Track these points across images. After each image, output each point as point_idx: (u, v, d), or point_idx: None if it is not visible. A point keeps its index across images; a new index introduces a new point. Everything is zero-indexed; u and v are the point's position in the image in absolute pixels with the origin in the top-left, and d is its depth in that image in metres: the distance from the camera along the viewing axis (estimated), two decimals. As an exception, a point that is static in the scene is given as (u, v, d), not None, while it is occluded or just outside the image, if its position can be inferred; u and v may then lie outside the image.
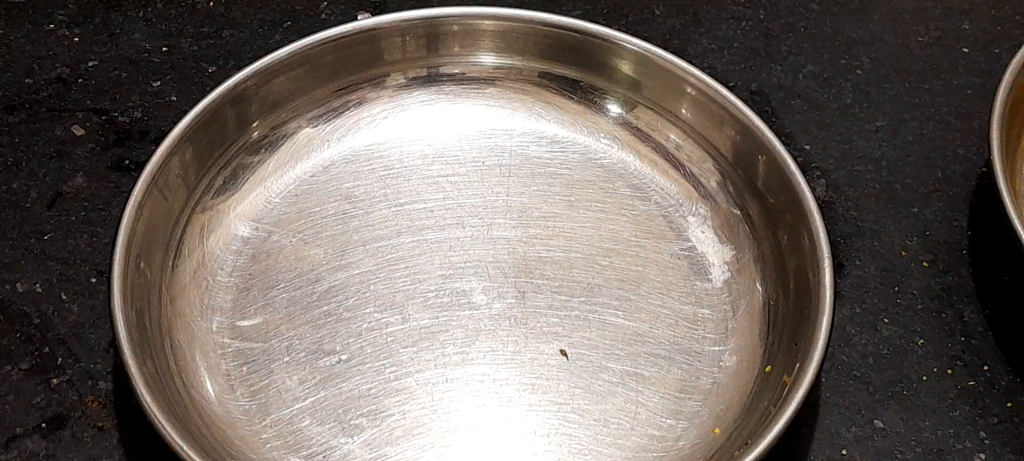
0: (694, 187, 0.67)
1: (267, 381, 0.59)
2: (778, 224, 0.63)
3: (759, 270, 0.63)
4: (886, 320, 0.64)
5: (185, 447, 0.52)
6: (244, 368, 0.59)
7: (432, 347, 0.60)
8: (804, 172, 0.63)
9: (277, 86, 0.67)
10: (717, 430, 0.58)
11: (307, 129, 0.68)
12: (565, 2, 0.77)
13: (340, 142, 0.68)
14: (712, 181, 0.66)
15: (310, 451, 0.57)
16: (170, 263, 0.61)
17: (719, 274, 0.64)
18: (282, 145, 0.67)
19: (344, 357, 0.60)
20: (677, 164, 0.67)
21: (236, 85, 0.65)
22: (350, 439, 0.57)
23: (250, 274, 0.63)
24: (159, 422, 0.53)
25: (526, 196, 0.66)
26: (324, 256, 0.63)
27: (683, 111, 0.67)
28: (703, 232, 0.65)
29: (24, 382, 0.59)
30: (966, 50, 0.76)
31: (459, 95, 0.70)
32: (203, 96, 0.64)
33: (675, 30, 0.76)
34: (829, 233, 0.60)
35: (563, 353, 0.61)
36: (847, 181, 0.69)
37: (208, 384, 0.58)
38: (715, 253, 0.64)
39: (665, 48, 0.68)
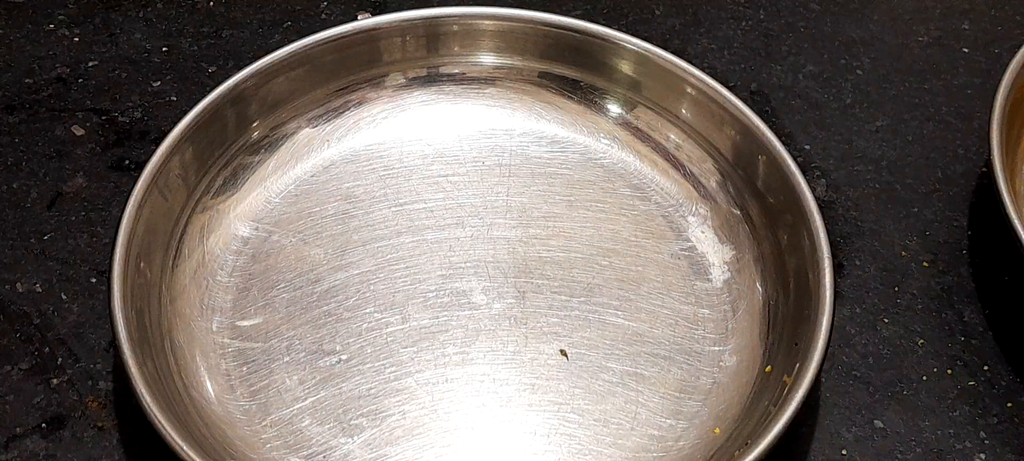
0: (694, 187, 0.67)
1: (267, 381, 0.59)
2: (778, 224, 0.63)
3: (759, 270, 0.63)
4: (886, 320, 0.64)
5: (185, 447, 0.52)
6: (244, 368, 0.59)
7: (432, 347, 0.60)
8: (804, 172, 0.63)
9: (277, 86, 0.67)
10: (717, 430, 0.58)
11: (307, 129, 0.68)
12: (565, 2, 0.77)
13: (340, 142, 0.68)
14: (712, 181, 0.66)
15: (310, 451, 0.57)
16: (170, 263, 0.61)
17: (719, 274, 0.64)
18: (282, 145, 0.67)
19: (344, 357, 0.60)
20: (677, 164, 0.67)
21: (236, 85, 0.65)
22: (350, 439, 0.57)
23: (250, 274, 0.63)
24: (159, 422, 0.53)
25: (526, 196, 0.66)
26: (324, 256, 0.63)
27: (683, 111, 0.67)
28: (703, 232, 0.65)
29: (24, 382, 0.59)
30: (966, 50, 0.76)
31: (459, 95, 0.70)
32: (203, 96, 0.64)
33: (675, 30, 0.76)
34: (829, 233, 0.60)
35: (563, 353, 0.61)
36: (847, 181, 0.69)
37: (208, 384, 0.58)
38: (715, 253, 0.64)
39: (665, 48, 0.68)
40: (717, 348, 0.61)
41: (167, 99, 0.71)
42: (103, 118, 0.70)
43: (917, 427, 0.60)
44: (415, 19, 0.69)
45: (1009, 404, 0.61)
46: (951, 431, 0.60)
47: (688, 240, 0.65)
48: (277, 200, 0.65)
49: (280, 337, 0.60)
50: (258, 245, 0.64)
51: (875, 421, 0.60)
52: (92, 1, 0.76)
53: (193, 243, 0.63)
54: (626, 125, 0.69)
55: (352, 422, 0.58)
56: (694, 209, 0.66)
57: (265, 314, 0.61)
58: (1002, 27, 0.78)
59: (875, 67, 0.75)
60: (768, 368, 0.59)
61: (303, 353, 0.60)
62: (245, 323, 0.61)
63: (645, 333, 0.61)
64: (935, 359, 0.62)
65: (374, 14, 0.75)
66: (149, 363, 0.56)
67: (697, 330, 0.62)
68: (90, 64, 0.72)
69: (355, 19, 0.75)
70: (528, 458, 0.57)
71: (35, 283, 0.63)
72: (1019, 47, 0.67)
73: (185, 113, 0.63)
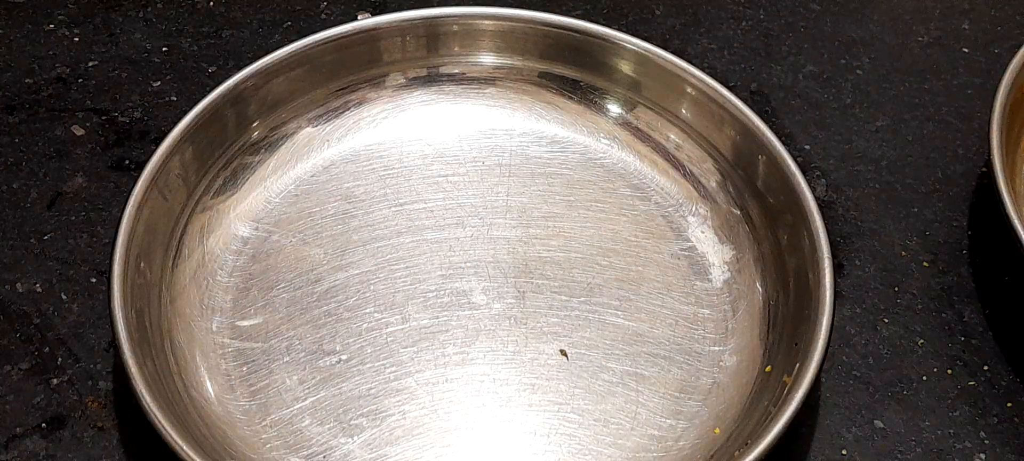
0: (694, 187, 0.67)
1: (267, 381, 0.59)
2: (778, 224, 0.63)
3: (759, 270, 0.63)
4: (886, 320, 0.64)
5: (185, 447, 0.52)
6: (244, 368, 0.59)
7: (432, 347, 0.60)
8: (804, 172, 0.63)
9: (277, 86, 0.67)
10: (717, 430, 0.58)
11: (307, 129, 0.68)
12: (565, 2, 0.77)
13: (340, 142, 0.68)
14: (712, 181, 0.66)
15: (310, 451, 0.57)
16: (170, 263, 0.61)
17: (719, 274, 0.64)
18: (282, 145, 0.67)
19: (344, 357, 0.60)
20: (677, 164, 0.67)
21: (236, 85, 0.65)
22: (350, 439, 0.57)
23: (250, 274, 0.63)
24: (159, 422, 0.53)
25: (526, 196, 0.66)
26: (324, 256, 0.63)
27: (683, 111, 0.67)
28: (703, 232, 0.65)
29: (24, 382, 0.59)
30: (966, 50, 0.76)
31: (459, 95, 0.70)
32: (203, 96, 0.64)
33: (675, 30, 0.76)
34: (829, 233, 0.60)
35: (563, 353, 0.61)
36: (847, 181, 0.69)
37: (208, 384, 0.58)
38: (715, 253, 0.64)
39: (665, 48, 0.68)
40: (717, 348, 0.61)
41: (167, 99, 0.71)
42: (103, 118, 0.70)
43: (917, 427, 0.60)
44: (415, 19, 0.69)
45: (1009, 404, 0.61)
46: (951, 431, 0.60)
47: (688, 240, 0.65)
48: (277, 200, 0.65)
49: (280, 337, 0.60)
50: (258, 245, 0.64)
51: (875, 421, 0.60)
52: (92, 1, 0.76)
53: (193, 243, 0.63)
54: (626, 125, 0.69)
55: (352, 422, 0.58)
56: (694, 209, 0.66)
57: (265, 314, 0.61)
58: (1002, 27, 0.78)
59: (875, 67, 0.75)
60: (768, 368, 0.59)
61: (303, 353, 0.60)
62: (245, 323, 0.61)
63: (645, 333, 0.61)
64: (935, 359, 0.62)
65: (374, 14, 0.75)
66: (149, 363, 0.56)
67: (697, 330, 0.62)
68: (90, 64, 0.72)
69: (355, 19, 0.75)
70: (528, 458, 0.57)
71: (35, 283, 0.63)
72: (1019, 47, 0.67)
73: (185, 113, 0.63)
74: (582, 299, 0.62)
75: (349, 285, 0.62)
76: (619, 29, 0.69)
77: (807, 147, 0.71)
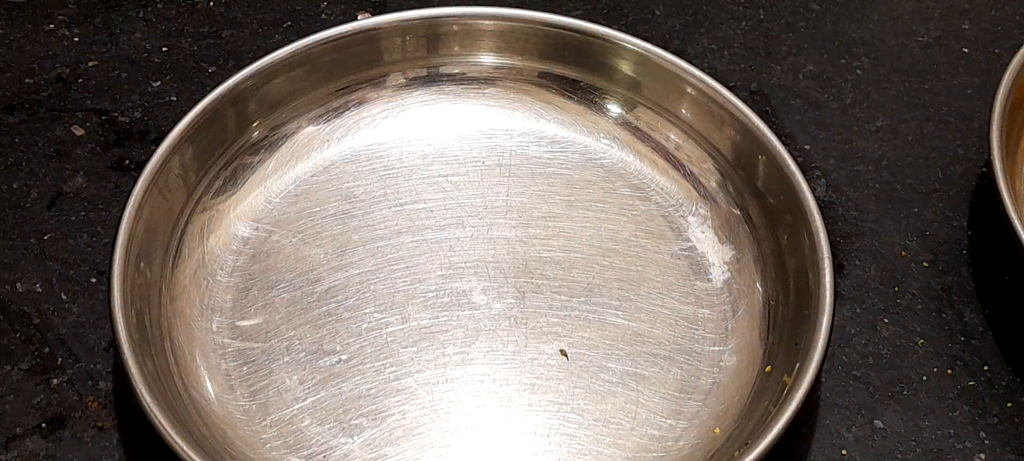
0: (694, 187, 0.67)
1: (267, 381, 0.59)
2: (778, 224, 0.63)
3: (759, 270, 0.63)
4: (886, 320, 0.64)
5: (185, 447, 0.52)
6: (244, 368, 0.59)
7: (432, 347, 0.60)
8: (804, 172, 0.63)
9: (277, 86, 0.67)
10: (717, 430, 0.58)
11: (307, 129, 0.68)
12: (565, 2, 0.77)
13: (340, 142, 0.68)
14: (712, 181, 0.66)
15: (310, 451, 0.57)
16: (170, 263, 0.61)
17: (719, 274, 0.64)
18: (282, 145, 0.67)
19: (344, 357, 0.60)
20: (677, 164, 0.67)
21: (236, 85, 0.65)
22: (350, 439, 0.57)
23: (250, 274, 0.63)
24: (159, 422, 0.53)
25: (526, 196, 0.66)
26: (324, 256, 0.63)
27: (683, 111, 0.67)
28: (703, 232, 0.65)
29: (24, 382, 0.59)
30: (966, 50, 0.76)
31: (459, 95, 0.70)
32: (203, 96, 0.64)
33: (675, 30, 0.76)
34: (829, 233, 0.60)
35: (563, 353, 0.61)
36: (847, 181, 0.69)
37: (208, 384, 0.58)
38: (715, 253, 0.64)
39: (665, 48, 0.68)
40: (717, 348, 0.61)
41: (167, 99, 0.71)
42: (103, 118, 0.70)
43: (917, 427, 0.60)
44: (415, 19, 0.69)
45: (1009, 404, 0.61)
46: (951, 431, 0.60)
47: (688, 240, 0.65)
48: (277, 200, 0.65)
49: (280, 337, 0.60)
50: (258, 245, 0.64)
51: (875, 421, 0.60)
52: (92, 1, 0.76)
53: (193, 243, 0.63)
54: (626, 125, 0.69)
55: (352, 422, 0.58)
56: (694, 209, 0.66)
57: (265, 314, 0.61)
58: (1002, 27, 0.78)
59: (875, 67, 0.75)
60: (768, 368, 0.59)
61: (303, 353, 0.60)
62: (245, 323, 0.61)
63: (645, 333, 0.61)
64: (935, 359, 0.62)
65: (374, 14, 0.75)
66: (149, 363, 0.56)
67: (697, 330, 0.62)
68: (90, 64, 0.72)
69: (355, 19, 0.75)
70: (528, 458, 0.57)
71: (35, 283, 0.63)
72: (1019, 47, 0.67)
73: (185, 113, 0.63)
74: (582, 299, 0.62)
75: (349, 285, 0.62)
76: (619, 29, 0.69)
77: (807, 147, 0.71)
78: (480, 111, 0.69)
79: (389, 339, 0.61)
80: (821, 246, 0.59)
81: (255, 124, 0.66)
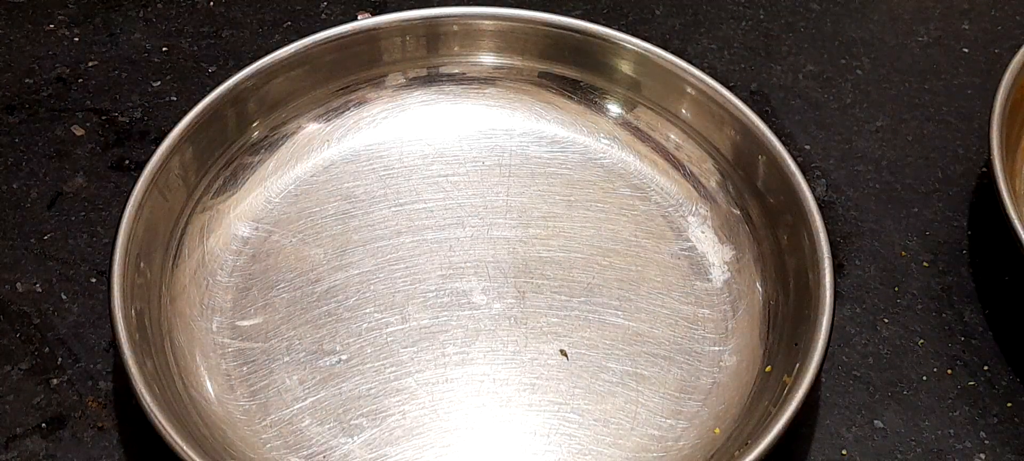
0: (694, 187, 0.67)
1: (267, 381, 0.59)
2: (778, 224, 0.63)
3: (759, 270, 0.63)
4: (886, 320, 0.64)
5: (185, 447, 0.52)
6: (244, 368, 0.59)
7: (432, 347, 0.60)
8: (804, 172, 0.63)
9: (277, 86, 0.67)
10: (717, 430, 0.58)
11: (307, 129, 0.68)
12: (565, 2, 0.77)
13: (340, 142, 0.68)
14: (712, 181, 0.66)
15: (310, 451, 0.57)
16: (170, 263, 0.61)
17: (719, 274, 0.64)
18: (282, 145, 0.67)
19: (344, 357, 0.60)
20: (677, 164, 0.67)
21: (236, 85, 0.65)
22: (350, 439, 0.57)
23: (250, 274, 0.63)
24: (159, 422, 0.53)
25: (526, 196, 0.66)
26: (324, 256, 0.63)
27: (683, 111, 0.67)
28: (703, 232, 0.65)
29: (24, 382, 0.59)
30: (966, 50, 0.76)
31: (459, 95, 0.70)
32: (203, 96, 0.64)
33: (675, 30, 0.76)
34: (829, 233, 0.60)
35: (563, 353, 0.61)
36: (847, 181, 0.69)
37: (208, 384, 0.58)
38: (715, 253, 0.64)
39: (665, 48, 0.68)
40: (717, 348, 0.61)
41: (167, 99, 0.71)
42: (103, 118, 0.70)
43: (917, 427, 0.60)
44: (415, 19, 0.69)
45: (1009, 404, 0.61)
46: (951, 431, 0.60)
47: (688, 240, 0.65)
48: (277, 200, 0.65)
49: (280, 337, 0.60)
50: (258, 245, 0.64)
51: (875, 421, 0.60)
52: (92, 1, 0.76)
53: (193, 243, 0.63)
54: (626, 125, 0.69)
55: (352, 422, 0.58)
56: (694, 209, 0.66)
57: (265, 314, 0.61)
58: (1002, 27, 0.78)
59: (875, 67, 0.75)
60: (768, 368, 0.59)
61: (303, 353, 0.60)
62: (245, 323, 0.61)
63: (645, 333, 0.61)
64: (935, 359, 0.62)
65: (374, 14, 0.75)
66: (149, 363, 0.56)
67: (697, 330, 0.62)
68: (90, 64, 0.72)
69: (355, 19, 0.75)
70: (528, 458, 0.57)
71: (35, 283, 0.63)
72: (1019, 47, 0.67)
73: (185, 113, 0.63)
74: (582, 299, 0.62)
75: (349, 285, 0.62)
76: (619, 29, 0.69)
77: (807, 147, 0.71)
78: (480, 111, 0.69)
79: (389, 339, 0.61)
80: (821, 246, 0.59)
81: (255, 124, 0.66)
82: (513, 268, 0.63)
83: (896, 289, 0.65)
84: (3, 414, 0.58)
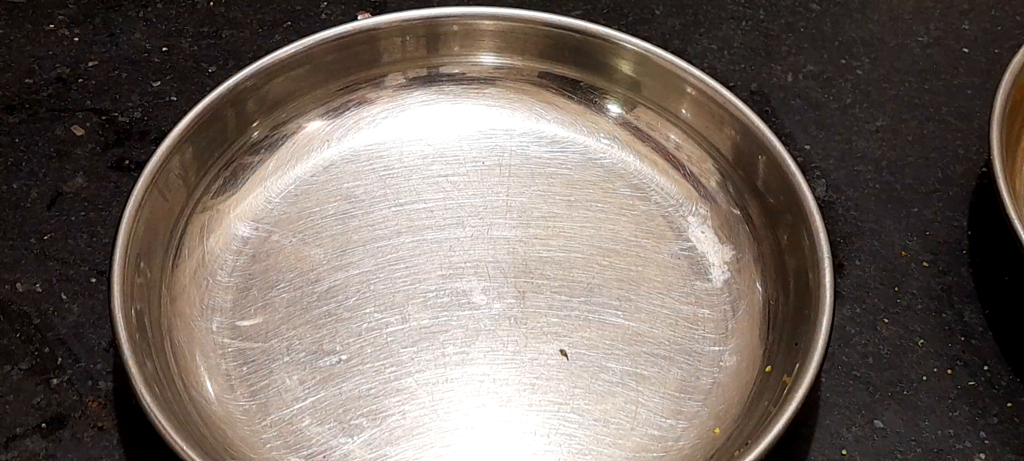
0: (694, 187, 0.67)
1: (267, 381, 0.59)
2: (778, 224, 0.63)
3: (759, 270, 0.63)
4: (886, 320, 0.64)
5: (185, 447, 0.52)
6: (244, 368, 0.59)
7: (432, 347, 0.60)
8: (804, 172, 0.63)
9: (277, 86, 0.67)
10: (717, 430, 0.58)
11: (307, 129, 0.68)
12: (565, 2, 0.77)
13: (340, 142, 0.68)
14: (712, 181, 0.66)
15: (310, 451, 0.57)
16: (170, 263, 0.61)
17: (719, 274, 0.64)
18: (282, 145, 0.67)
19: (344, 357, 0.60)
20: (677, 164, 0.67)
21: (236, 85, 0.65)
22: (350, 439, 0.57)
23: (250, 274, 0.63)
24: (159, 422, 0.53)
25: (526, 196, 0.66)
26: (324, 256, 0.63)
27: (683, 111, 0.67)
28: (703, 232, 0.65)
29: (24, 382, 0.59)
30: (966, 50, 0.76)
31: (459, 95, 0.70)
32: (203, 96, 0.64)
33: (675, 30, 0.76)
34: (829, 233, 0.60)
35: (563, 353, 0.61)
36: (847, 181, 0.69)
37: (208, 384, 0.58)
38: (715, 253, 0.64)
39: (665, 48, 0.68)
40: (717, 348, 0.61)
41: (167, 99, 0.71)
42: (103, 118, 0.70)
43: (917, 427, 0.60)
44: (415, 19, 0.69)
45: (1009, 404, 0.61)
46: (951, 431, 0.60)
47: (688, 240, 0.65)
48: (277, 200, 0.65)
49: (280, 337, 0.60)
50: (258, 245, 0.64)
51: (875, 421, 0.60)
52: (92, 1, 0.76)
53: (193, 243, 0.63)
54: (626, 125, 0.69)
55: (352, 422, 0.58)
56: (694, 209, 0.66)
57: (265, 314, 0.61)
58: (1002, 27, 0.78)
59: (875, 67, 0.75)
60: (768, 368, 0.59)
61: (303, 353, 0.60)
62: (245, 323, 0.61)
63: (645, 333, 0.61)
64: (935, 359, 0.62)
65: (374, 14, 0.75)
66: (149, 363, 0.56)
67: (697, 330, 0.62)
68: (90, 64, 0.72)
69: (355, 19, 0.75)
70: (528, 458, 0.57)
71: (35, 283, 0.63)
72: (1019, 47, 0.67)
73: (185, 113, 0.63)
74: (582, 299, 0.62)
75: (349, 285, 0.62)
76: (619, 29, 0.69)
77: (807, 147, 0.71)
78: (480, 111, 0.69)
79: (389, 339, 0.61)
80: (821, 246, 0.59)
81: (255, 124, 0.66)
82: (513, 268, 0.63)
83: (896, 289, 0.65)
84: (3, 414, 0.58)
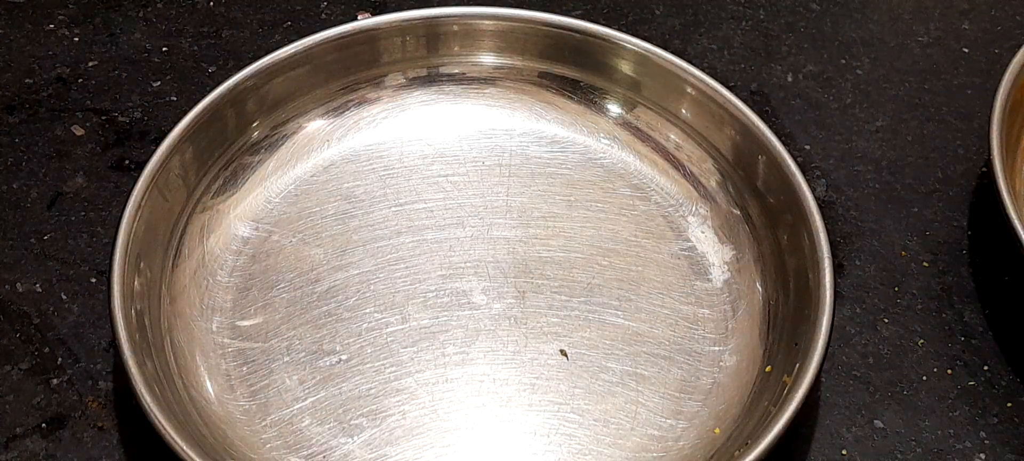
0: (694, 187, 0.67)
1: (267, 381, 0.59)
2: (778, 224, 0.63)
3: (759, 270, 0.63)
4: (886, 320, 0.64)
5: (185, 447, 0.52)
6: (244, 368, 0.59)
7: (432, 347, 0.60)
8: (804, 172, 0.63)
9: (277, 86, 0.67)
10: (717, 430, 0.58)
11: (307, 129, 0.68)
12: (565, 2, 0.77)
13: (340, 142, 0.68)
14: (712, 181, 0.66)
15: (310, 451, 0.57)
16: (170, 263, 0.61)
17: (719, 274, 0.64)
18: (282, 145, 0.67)
19: (344, 357, 0.60)
20: (677, 164, 0.67)
21: (236, 85, 0.65)
22: (350, 439, 0.57)
23: (250, 274, 0.63)
24: (159, 422, 0.53)
25: (526, 196, 0.66)
26: (324, 256, 0.63)
27: (683, 111, 0.67)
28: (703, 232, 0.65)
29: (24, 382, 0.59)
30: (966, 50, 0.76)
31: (459, 95, 0.70)
32: (203, 96, 0.64)
33: (675, 30, 0.76)
34: (829, 233, 0.60)
35: (563, 353, 0.61)
36: (847, 181, 0.69)
37: (208, 384, 0.58)
38: (715, 253, 0.64)
39: (665, 48, 0.68)
40: (717, 348, 0.61)
41: (167, 99, 0.71)
42: (103, 118, 0.70)
43: (917, 427, 0.60)
44: (415, 19, 0.69)
45: (1009, 404, 0.61)
46: (951, 431, 0.60)
47: (688, 240, 0.65)
48: (277, 200, 0.65)
49: (280, 337, 0.60)
50: (258, 245, 0.64)
51: (875, 421, 0.60)
52: (92, 1, 0.76)
53: (193, 243, 0.63)
54: (626, 125, 0.69)
55: (352, 422, 0.58)
56: (694, 209, 0.66)
57: (265, 314, 0.61)
58: (1002, 27, 0.78)
59: (875, 67, 0.75)
60: (768, 368, 0.59)
61: (303, 353, 0.60)
62: (245, 323, 0.61)
63: (645, 333, 0.61)
64: (935, 359, 0.62)
65: (374, 14, 0.75)
66: (149, 363, 0.56)
67: (697, 330, 0.62)
68: (90, 64, 0.72)
69: (355, 19, 0.75)
70: (528, 458, 0.57)
71: (35, 283, 0.63)
72: (1019, 47, 0.67)
73: (185, 113, 0.63)
74: (582, 299, 0.62)
75: (349, 285, 0.62)
76: (619, 29, 0.69)
77: (807, 147, 0.71)
78: (480, 111, 0.69)
79: (389, 339, 0.61)
80: (821, 246, 0.59)
81: (255, 124, 0.66)
82: (513, 268, 0.63)
83: (896, 289, 0.65)
84: (3, 414, 0.58)
